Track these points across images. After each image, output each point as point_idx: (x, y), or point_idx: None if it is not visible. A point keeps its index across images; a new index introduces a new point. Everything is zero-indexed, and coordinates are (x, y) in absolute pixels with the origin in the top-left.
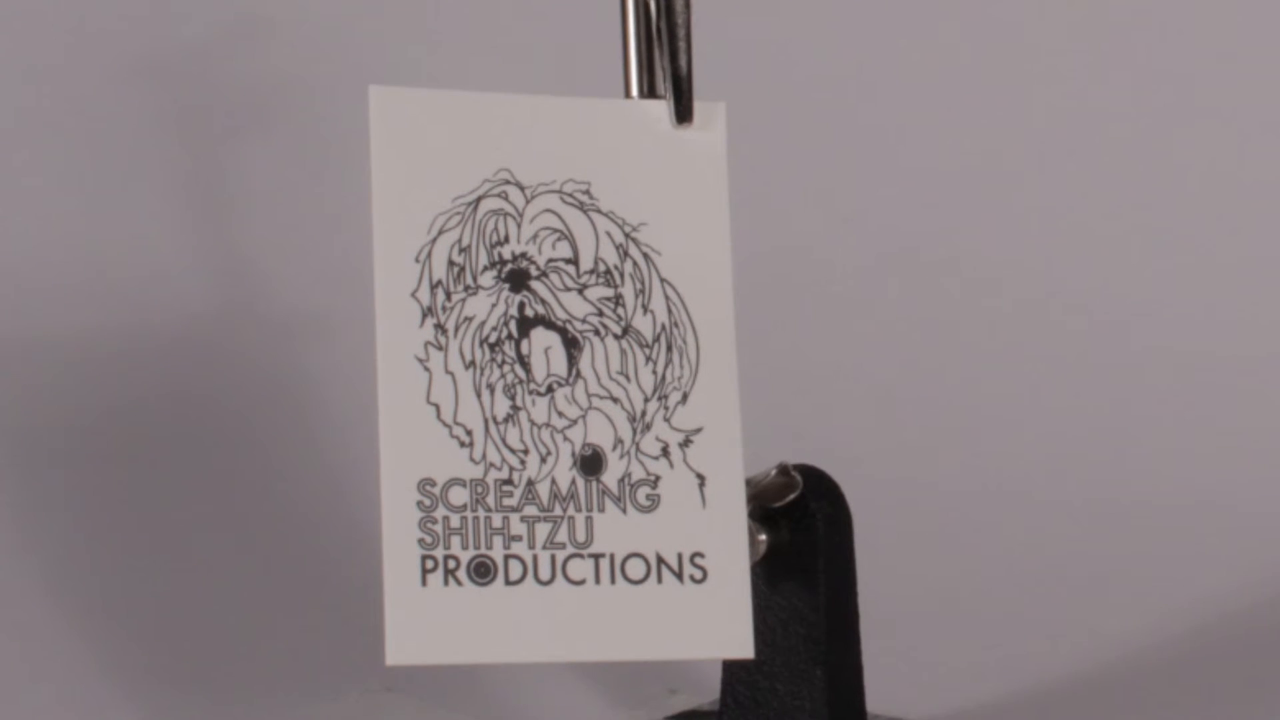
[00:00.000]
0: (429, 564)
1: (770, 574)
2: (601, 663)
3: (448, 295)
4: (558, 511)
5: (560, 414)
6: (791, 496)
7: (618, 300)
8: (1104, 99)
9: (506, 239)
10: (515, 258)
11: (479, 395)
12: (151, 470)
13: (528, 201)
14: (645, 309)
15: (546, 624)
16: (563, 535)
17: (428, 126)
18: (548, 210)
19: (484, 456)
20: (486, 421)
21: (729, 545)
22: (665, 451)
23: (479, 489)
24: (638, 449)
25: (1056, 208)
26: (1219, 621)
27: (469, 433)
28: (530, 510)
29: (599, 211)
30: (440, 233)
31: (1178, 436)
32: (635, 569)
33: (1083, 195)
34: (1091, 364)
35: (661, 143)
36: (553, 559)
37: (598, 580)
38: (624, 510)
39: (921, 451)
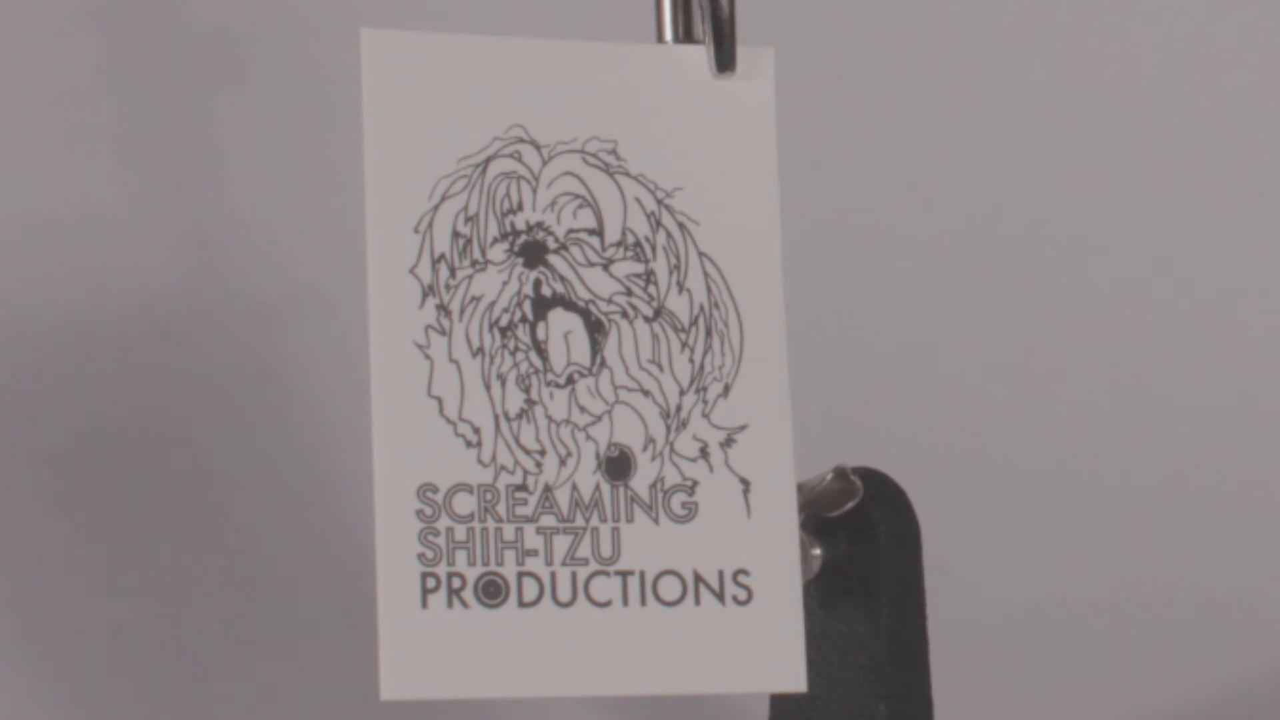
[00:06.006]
0: (430, 583)
1: (826, 594)
2: (630, 697)
3: (452, 271)
4: (579, 522)
5: (582, 409)
6: (850, 505)
7: (649, 277)
8: (1213, 55)
9: (520, 206)
10: (530, 228)
11: (488, 387)
12: (107, 474)
13: (545, 163)
14: (681, 287)
15: (566, 652)
16: (585, 550)
17: (429, 76)
18: (568, 173)
19: (494, 458)
20: (497, 418)
21: (778, 561)
22: (704, 452)
23: (488, 496)
24: (672, 450)
25: (1154, 172)
26: None
27: (477, 431)
28: (547, 520)
29: (627, 174)
30: (443, 199)
31: None
32: (669, 589)
33: (1190, 160)
34: (1206, 351)
35: (699, 95)
36: (574, 577)
37: (625, 602)
38: (656, 520)
39: (1001, 452)
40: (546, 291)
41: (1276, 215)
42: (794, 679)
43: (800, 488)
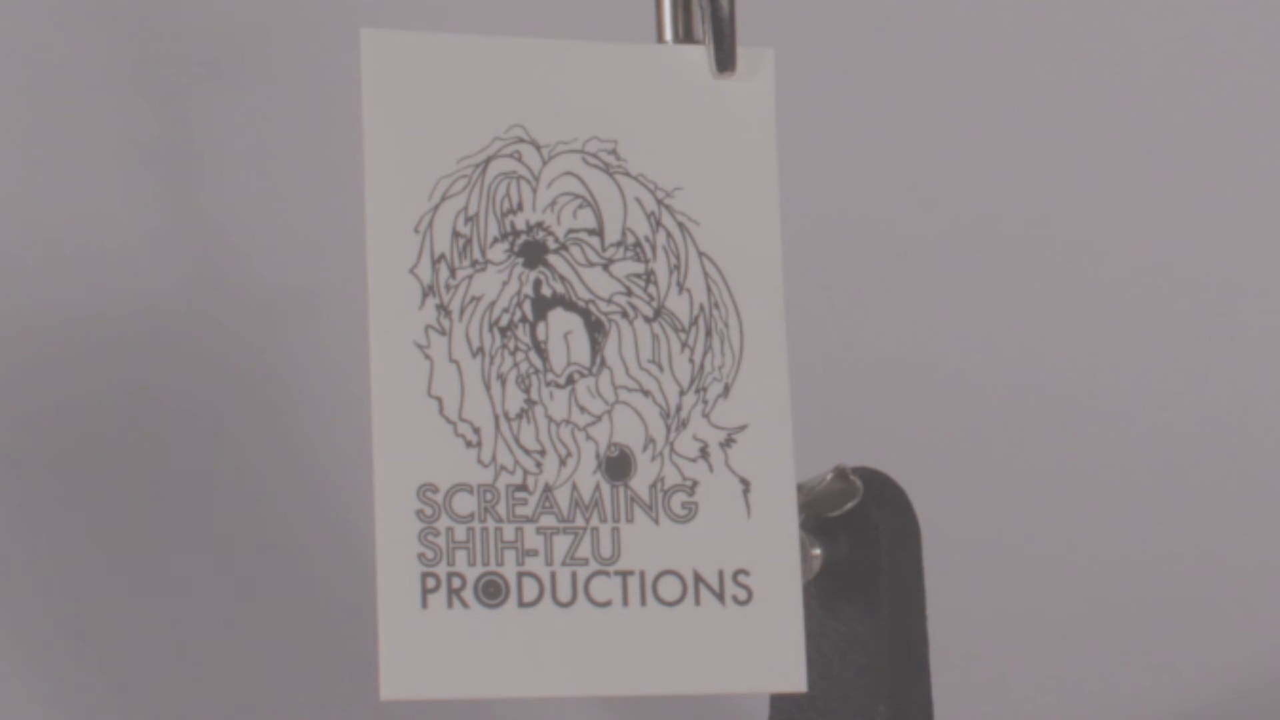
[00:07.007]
0: (430, 583)
1: (826, 594)
2: (630, 697)
3: (452, 271)
4: (579, 522)
5: (582, 409)
6: (850, 505)
7: (649, 277)
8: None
9: (520, 206)
10: (530, 228)
11: (488, 387)
12: (106, 477)
13: (545, 163)
14: (681, 287)
15: (566, 652)
16: (585, 549)
17: (429, 76)
18: (568, 173)
19: (494, 458)
20: (497, 418)
21: (778, 561)
22: (704, 452)
23: (488, 496)
24: (672, 450)
25: (1154, 172)
26: None
27: (476, 431)
28: (547, 520)
29: (627, 174)
30: (443, 199)
31: None
32: (669, 589)
33: (1190, 160)
34: (1206, 352)
35: (700, 94)
36: (574, 577)
37: (626, 602)
38: (656, 520)
39: (1002, 453)
40: (546, 291)
41: (1276, 215)
42: (794, 679)
43: (800, 488)
